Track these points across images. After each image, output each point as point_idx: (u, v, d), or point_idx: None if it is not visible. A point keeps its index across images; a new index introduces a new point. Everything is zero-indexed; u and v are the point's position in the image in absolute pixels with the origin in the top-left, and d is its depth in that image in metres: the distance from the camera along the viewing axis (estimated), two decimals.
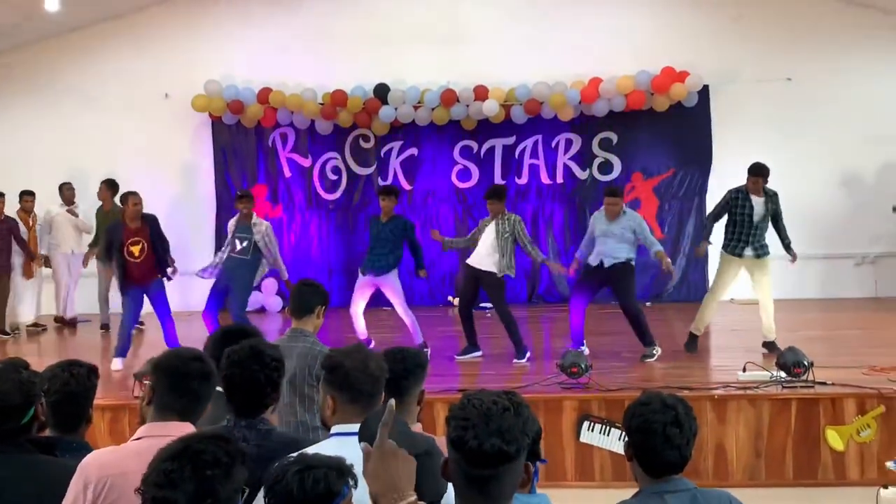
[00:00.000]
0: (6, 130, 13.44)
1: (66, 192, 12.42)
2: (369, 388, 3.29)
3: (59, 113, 13.29)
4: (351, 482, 2.79)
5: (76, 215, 12.41)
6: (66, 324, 12.21)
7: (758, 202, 8.96)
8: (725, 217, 9.13)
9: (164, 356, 3.45)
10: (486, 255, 9.00)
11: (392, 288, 9.40)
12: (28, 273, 11.87)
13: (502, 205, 9.12)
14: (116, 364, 8.95)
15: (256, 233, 9.51)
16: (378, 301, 9.96)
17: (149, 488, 2.29)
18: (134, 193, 9.29)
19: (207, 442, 2.41)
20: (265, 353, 3.61)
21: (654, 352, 8.85)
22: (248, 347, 3.62)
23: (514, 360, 8.97)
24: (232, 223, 9.78)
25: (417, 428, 3.61)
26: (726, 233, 9.13)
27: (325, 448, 3.22)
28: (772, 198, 9.04)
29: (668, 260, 8.97)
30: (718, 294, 9.16)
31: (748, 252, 8.96)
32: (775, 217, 9.10)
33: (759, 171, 8.98)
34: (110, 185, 11.87)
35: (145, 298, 9.31)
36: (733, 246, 9.00)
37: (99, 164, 12.96)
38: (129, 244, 9.15)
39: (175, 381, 3.29)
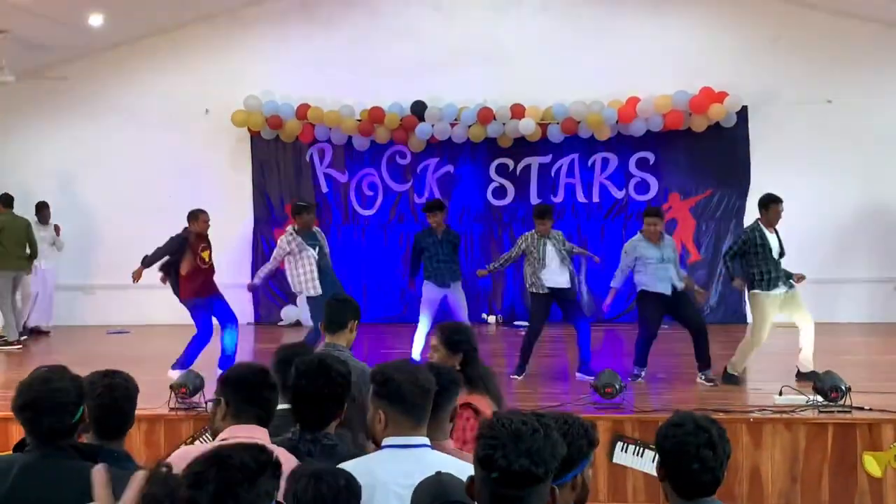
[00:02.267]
0: (49, 143, 13.67)
1: (44, 212, 12.74)
2: (421, 401, 3.32)
3: (100, 126, 13.50)
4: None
5: (58, 233, 12.85)
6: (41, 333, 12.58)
7: (771, 236, 8.67)
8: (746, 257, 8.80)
9: (232, 371, 3.62)
10: (559, 272, 9.17)
11: (461, 296, 9.70)
12: None
13: (551, 223, 9.31)
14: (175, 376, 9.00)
15: (321, 239, 9.71)
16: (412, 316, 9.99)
17: (181, 488, 2.34)
18: (203, 211, 9.54)
19: (239, 449, 2.45)
20: (333, 367, 3.67)
21: (712, 376, 8.77)
22: (316, 362, 3.68)
23: (579, 375, 9.07)
24: (292, 238, 9.55)
25: (449, 444, 3.62)
26: (753, 273, 8.70)
27: (375, 461, 3.26)
28: (776, 230, 8.78)
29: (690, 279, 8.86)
30: (761, 338, 8.69)
31: (781, 287, 8.64)
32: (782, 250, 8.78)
33: (778, 200, 8.70)
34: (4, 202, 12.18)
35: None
36: (765, 284, 8.62)
37: (139, 178, 13.17)
38: (201, 250, 9.37)
39: (249, 393, 3.46)
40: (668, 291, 8.77)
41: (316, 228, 9.95)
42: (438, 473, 2.91)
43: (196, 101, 13.28)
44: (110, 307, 13.06)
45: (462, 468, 3.25)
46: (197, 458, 2.41)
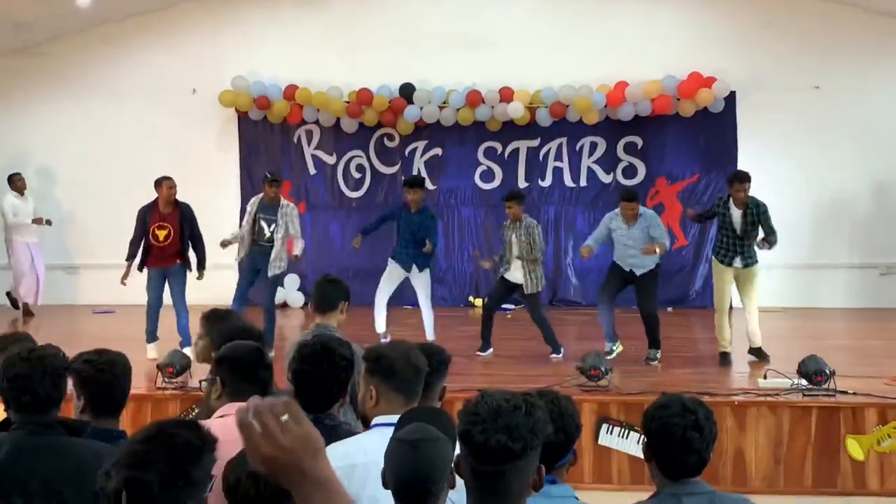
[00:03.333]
0: (35, 120, 13.58)
1: (18, 183, 12.62)
2: (413, 378, 3.35)
3: (87, 105, 13.44)
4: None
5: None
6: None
7: (735, 213, 8.80)
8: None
9: (228, 350, 3.62)
10: (514, 266, 9.23)
11: (425, 283, 9.60)
12: None
13: (518, 208, 9.32)
14: (151, 352, 9.01)
15: (282, 215, 9.42)
16: (399, 298, 9.99)
17: (120, 469, 2.27)
18: (168, 178, 9.44)
19: (179, 426, 2.42)
20: (336, 351, 3.67)
21: (657, 356, 8.93)
22: (319, 345, 3.68)
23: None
24: (255, 203, 9.56)
25: None
26: (716, 241, 9.11)
27: (369, 439, 3.26)
28: (752, 210, 8.76)
29: (663, 247, 8.89)
30: (723, 306, 8.96)
31: (737, 262, 8.86)
32: (765, 228, 8.81)
33: (745, 179, 8.81)
34: None
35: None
36: (722, 255, 8.93)
37: (125, 157, 13.12)
38: (156, 228, 9.30)
39: (245, 372, 3.49)
40: (626, 269, 8.99)
41: (284, 202, 9.59)
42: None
43: (183, 81, 13.21)
44: (96, 287, 13.00)
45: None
46: (135, 437, 2.34)
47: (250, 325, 4.48)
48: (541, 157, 13.25)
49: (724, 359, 8.89)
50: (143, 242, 9.37)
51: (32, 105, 13.61)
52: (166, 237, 9.31)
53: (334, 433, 3.49)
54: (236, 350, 3.61)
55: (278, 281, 9.79)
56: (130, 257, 9.38)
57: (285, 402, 1.65)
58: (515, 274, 9.22)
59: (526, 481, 2.22)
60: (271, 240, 9.39)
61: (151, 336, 9.30)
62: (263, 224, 9.42)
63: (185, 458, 2.29)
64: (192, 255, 9.56)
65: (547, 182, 13.26)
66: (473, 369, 8.84)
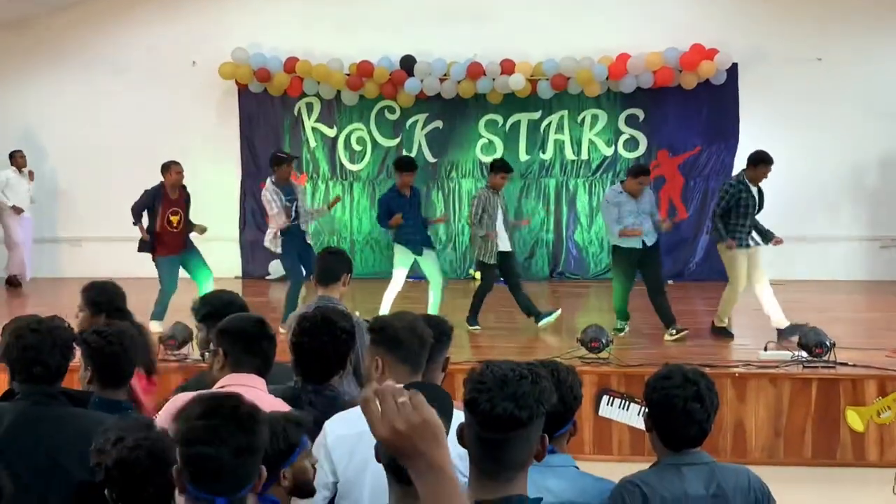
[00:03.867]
0: (33, 94, 13.54)
1: (19, 159, 12.67)
2: (418, 348, 3.36)
3: (86, 78, 13.38)
4: (307, 434, 2.92)
5: (32, 179, 12.79)
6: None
7: (755, 192, 8.74)
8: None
9: (229, 322, 3.62)
10: (504, 234, 9.31)
11: (433, 261, 9.54)
12: None
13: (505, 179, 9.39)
14: (155, 327, 9.04)
15: (298, 192, 9.45)
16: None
17: (190, 445, 2.33)
18: (176, 163, 9.44)
19: (229, 398, 2.46)
20: (337, 324, 3.68)
21: (676, 329, 8.86)
22: (320, 318, 3.69)
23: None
24: (274, 190, 9.32)
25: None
26: (730, 225, 8.77)
27: None
28: (760, 188, 8.80)
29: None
30: (739, 287, 8.79)
31: (751, 242, 8.79)
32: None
33: (762, 160, 8.70)
34: None
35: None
36: (741, 238, 8.71)
37: (125, 130, 13.08)
38: (170, 214, 9.37)
39: (248, 344, 3.51)
40: (639, 245, 8.86)
41: (295, 183, 9.70)
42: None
43: (183, 54, 13.13)
44: (95, 259, 13.00)
45: (456, 416, 3.29)
46: (196, 413, 2.38)
47: (237, 298, 4.46)
48: (542, 130, 13.21)
49: (721, 332, 8.89)
50: (153, 229, 9.42)
51: (30, 79, 13.55)
52: (179, 222, 9.40)
53: (335, 404, 3.51)
54: (238, 322, 3.62)
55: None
56: (138, 220, 9.43)
57: (412, 391, 1.72)
58: (506, 242, 9.30)
59: (529, 450, 2.22)
60: (297, 218, 9.37)
61: (159, 316, 9.24)
62: (289, 204, 9.38)
63: (250, 428, 2.38)
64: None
65: (548, 155, 13.23)
66: (474, 341, 8.87)
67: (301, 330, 3.67)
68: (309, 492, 2.96)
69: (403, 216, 9.19)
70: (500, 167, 9.46)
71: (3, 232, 12.73)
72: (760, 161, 8.72)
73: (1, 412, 3.39)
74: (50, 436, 3.14)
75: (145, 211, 9.44)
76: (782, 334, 8.66)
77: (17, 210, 12.45)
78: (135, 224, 9.45)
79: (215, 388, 3.30)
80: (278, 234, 9.30)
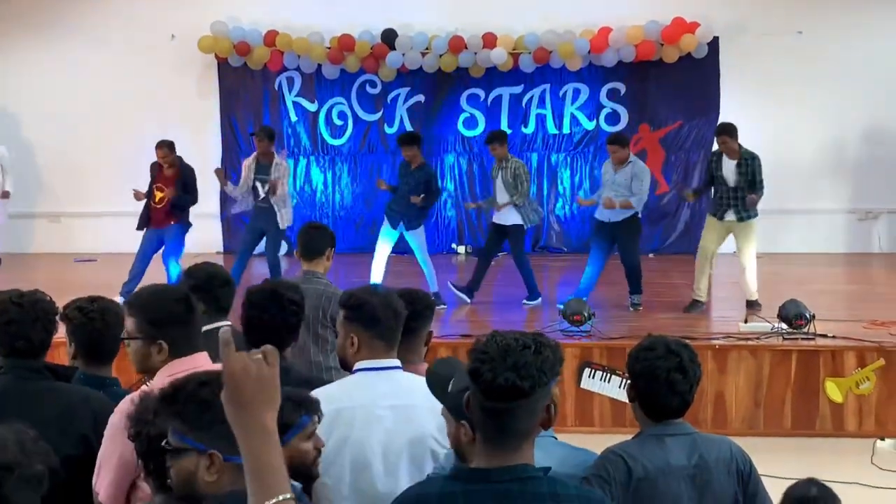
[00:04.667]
0: (9, 66, 13.37)
1: None
2: (394, 324, 3.34)
3: (63, 51, 13.18)
4: (314, 415, 2.86)
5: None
6: None
7: (728, 165, 8.78)
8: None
9: (143, 294, 3.44)
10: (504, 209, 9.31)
11: (418, 239, 9.49)
12: None
13: (502, 149, 9.40)
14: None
15: (275, 172, 9.38)
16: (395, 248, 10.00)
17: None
18: (160, 146, 9.56)
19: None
20: (285, 296, 3.67)
21: (639, 301, 9.06)
22: (268, 290, 3.68)
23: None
24: (250, 163, 9.56)
25: (423, 366, 3.67)
26: (711, 195, 9.10)
27: (352, 384, 3.31)
28: (746, 161, 8.74)
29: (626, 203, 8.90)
30: (704, 256, 8.97)
31: (730, 216, 8.83)
32: (752, 182, 8.75)
33: (722, 131, 8.88)
34: None
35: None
36: (715, 209, 8.94)
37: (104, 104, 12.97)
38: (156, 189, 9.51)
39: (184, 327, 3.31)
40: (602, 219, 9.03)
41: (279, 160, 9.64)
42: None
43: (162, 27, 12.99)
44: (76, 235, 12.97)
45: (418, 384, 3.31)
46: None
47: (221, 270, 4.45)
48: (524, 104, 13.20)
49: (694, 306, 8.96)
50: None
51: (6, 50, 13.38)
52: (161, 200, 9.44)
53: (287, 375, 3.50)
54: (165, 305, 3.36)
55: (282, 234, 9.85)
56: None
57: (268, 347, 1.77)
58: (503, 216, 9.26)
59: (534, 420, 2.26)
60: (266, 200, 9.34)
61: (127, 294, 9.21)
62: (258, 185, 9.38)
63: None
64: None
65: (530, 129, 13.22)
66: (456, 315, 8.91)
67: (251, 303, 3.66)
68: (309, 476, 2.91)
69: (396, 188, 9.38)
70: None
71: None
72: (721, 132, 8.91)
73: None
74: (33, 410, 3.12)
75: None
76: (751, 306, 8.78)
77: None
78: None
79: (163, 378, 3.20)
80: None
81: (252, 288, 3.82)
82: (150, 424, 2.53)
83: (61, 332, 3.58)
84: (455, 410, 2.51)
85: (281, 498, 1.73)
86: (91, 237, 12.69)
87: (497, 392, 2.18)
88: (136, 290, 3.58)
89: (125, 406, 2.83)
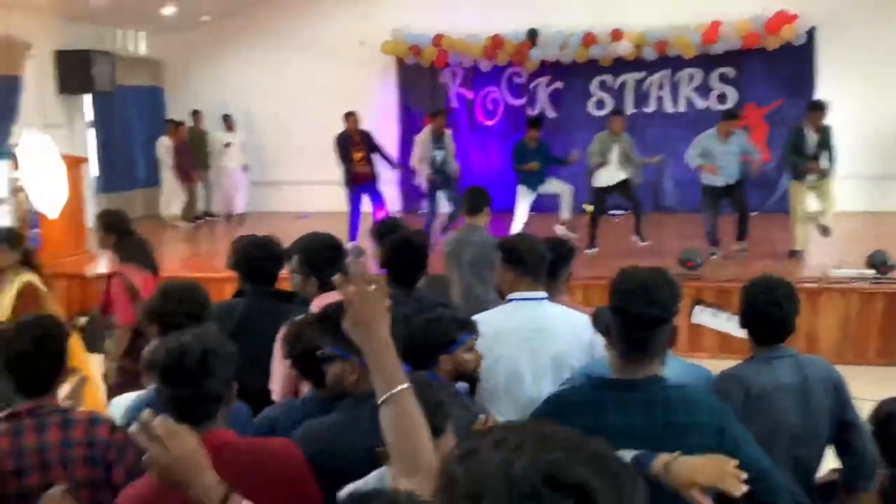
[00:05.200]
0: (240, 69, 13.97)
1: (228, 122, 13.15)
2: (537, 265, 3.37)
3: (279, 57, 13.66)
4: (472, 334, 2.91)
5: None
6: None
7: (811, 136, 8.44)
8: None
9: (304, 240, 3.63)
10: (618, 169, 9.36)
11: (555, 186, 9.80)
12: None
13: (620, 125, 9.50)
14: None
15: (449, 144, 9.67)
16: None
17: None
18: (350, 112, 9.93)
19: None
20: (414, 240, 3.82)
21: (745, 247, 8.81)
22: (402, 239, 3.81)
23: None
24: (424, 138, 9.73)
25: (565, 299, 3.71)
26: (793, 159, 8.66)
27: (506, 311, 3.36)
28: (825, 131, 8.44)
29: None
30: (797, 216, 8.66)
31: (810, 178, 8.52)
32: (829, 148, 8.45)
33: (814, 107, 8.55)
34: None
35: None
36: (798, 175, 8.60)
37: (308, 96, 13.38)
38: (353, 151, 9.68)
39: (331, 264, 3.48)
40: (720, 185, 8.68)
41: (447, 134, 9.92)
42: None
43: (352, 34, 13.26)
44: (295, 197, 13.49)
45: (571, 315, 3.34)
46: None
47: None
48: (645, 88, 12.88)
49: (794, 255, 8.63)
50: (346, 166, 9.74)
51: (242, 57, 13.98)
52: (360, 157, 9.64)
53: (422, 302, 3.53)
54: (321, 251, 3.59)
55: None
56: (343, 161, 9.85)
57: (378, 275, 1.82)
58: (614, 176, 9.28)
59: (666, 339, 2.27)
60: (442, 166, 9.53)
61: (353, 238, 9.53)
62: (436, 153, 9.57)
63: None
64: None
65: (651, 109, 12.90)
66: (586, 262, 8.86)
67: (389, 250, 3.72)
68: (470, 379, 3.04)
69: (527, 162, 9.46)
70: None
71: (227, 181, 13.23)
72: (810, 108, 8.61)
73: (234, 305, 3.66)
74: (269, 324, 3.31)
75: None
76: (822, 229, 8.54)
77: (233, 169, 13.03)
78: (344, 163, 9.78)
79: (317, 305, 3.30)
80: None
81: (390, 238, 3.87)
82: (305, 340, 2.68)
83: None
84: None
85: (398, 388, 1.73)
86: (306, 199, 13.22)
87: (642, 324, 2.18)
88: (300, 236, 3.70)
89: (286, 328, 2.99)
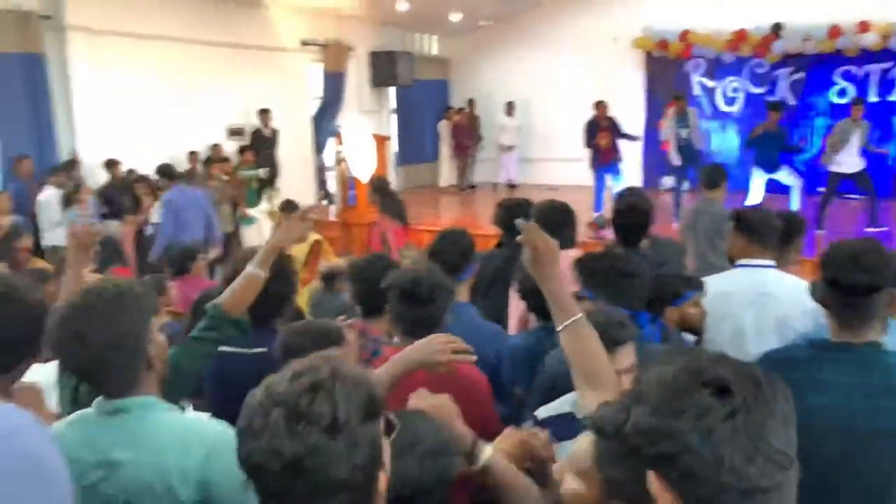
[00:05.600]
0: (506, 67, 14.21)
1: (509, 108, 13.14)
2: (768, 234, 3.19)
3: (541, 56, 13.74)
4: (697, 290, 2.84)
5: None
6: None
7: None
8: None
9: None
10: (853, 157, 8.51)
11: (785, 178, 8.99)
12: None
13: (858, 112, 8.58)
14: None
15: (692, 119, 9.34)
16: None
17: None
18: (600, 102, 9.78)
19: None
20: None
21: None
22: (630, 197, 3.68)
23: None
24: (670, 118, 9.54)
25: (795, 269, 3.46)
26: None
27: (734, 275, 3.22)
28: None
29: None
30: None
31: None
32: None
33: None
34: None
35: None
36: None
37: (563, 87, 13.40)
38: (600, 137, 9.63)
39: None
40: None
41: (690, 109, 9.63)
42: None
43: (607, 32, 13.03)
44: (547, 171, 13.62)
45: (796, 283, 3.13)
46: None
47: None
48: (890, 77, 11.35)
49: None
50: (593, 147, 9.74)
51: (511, 54, 14.24)
52: (606, 142, 9.59)
53: (644, 259, 3.32)
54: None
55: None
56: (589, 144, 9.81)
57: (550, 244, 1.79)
58: (850, 162, 8.40)
59: (884, 304, 2.04)
60: (687, 142, 9.27)
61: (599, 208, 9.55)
62: (680, 131, 9.31)
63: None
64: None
65: (894, 97, 11.36)
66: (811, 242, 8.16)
67: (616, 212, 3.64)
68: (695, 331, 3.04)
69: (763, 144, 8.66)
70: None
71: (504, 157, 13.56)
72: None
73: (496, 255, 3.79)
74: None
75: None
76: None
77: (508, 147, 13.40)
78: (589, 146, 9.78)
79: None
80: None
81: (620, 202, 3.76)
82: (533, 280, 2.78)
83: None
84: None
85: (574, 318, 1.75)
86: (555, 173, 13.34)
87: (856, 292, 2.00)
88: (539, 201, 3.74)
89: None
